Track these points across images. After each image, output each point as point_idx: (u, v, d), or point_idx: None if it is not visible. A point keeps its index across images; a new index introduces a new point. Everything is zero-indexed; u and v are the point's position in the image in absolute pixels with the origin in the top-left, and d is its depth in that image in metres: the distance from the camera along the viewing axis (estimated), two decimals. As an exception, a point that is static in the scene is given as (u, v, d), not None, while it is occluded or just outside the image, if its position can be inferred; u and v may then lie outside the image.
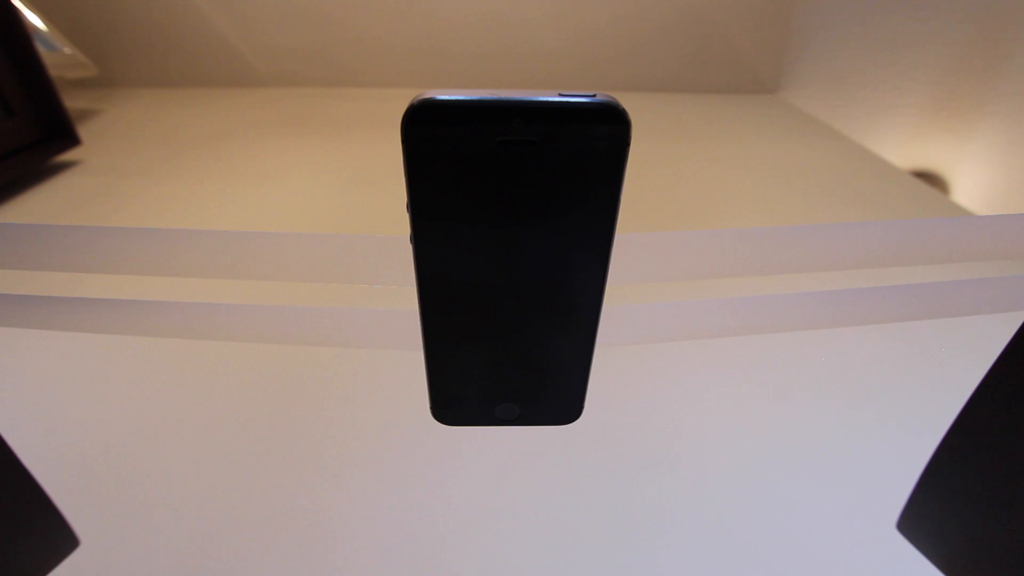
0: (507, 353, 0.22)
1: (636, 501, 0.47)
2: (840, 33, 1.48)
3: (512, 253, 0.19)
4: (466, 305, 0.21)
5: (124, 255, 0.36)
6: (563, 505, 0.46)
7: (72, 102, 1.03)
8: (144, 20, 1.41)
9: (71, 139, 1.02)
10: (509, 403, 0.24)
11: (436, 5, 1.38)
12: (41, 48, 0.94)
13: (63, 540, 0.33)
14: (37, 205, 0.91)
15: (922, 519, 0.31)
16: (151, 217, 0.88)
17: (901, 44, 1.47)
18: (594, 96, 0.16)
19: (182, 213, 0.89)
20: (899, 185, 1.05)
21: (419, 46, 1.45)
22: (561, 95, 0.16)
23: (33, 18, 1.17)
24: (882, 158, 1.16)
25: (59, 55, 1.23)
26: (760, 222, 0.89)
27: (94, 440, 0.51)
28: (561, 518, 0.45)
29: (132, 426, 0.52)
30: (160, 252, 0.36)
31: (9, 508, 0.30)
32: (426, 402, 0.24)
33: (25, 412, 0.53)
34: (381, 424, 0.52)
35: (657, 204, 0.95)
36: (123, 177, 1.02)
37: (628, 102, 0.17)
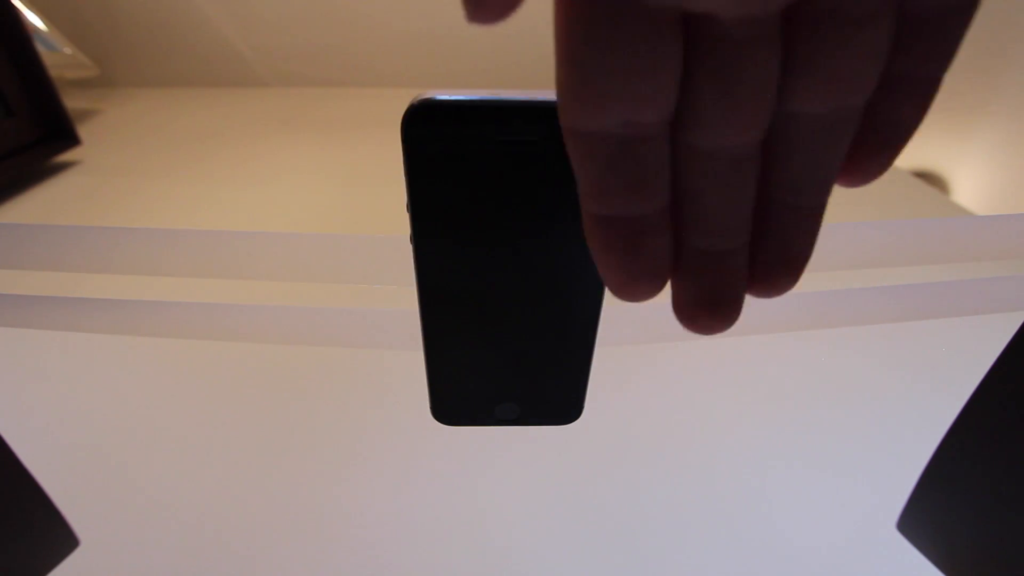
0: (507, 353, 0.22)
1: (636, 501, 0.47)
2: (840, 33, 1.48)
3: (512, 253, 0.19)
4: (466, 305, 0.21)
5: (124, 255, 0.36)
6: (563, 505, 0.46)
7: (72, 102, 1.03)
8: (144, 20, 1.41)
9: (71, 139, 1.02)
10: (509, 403, 0.24)
11: (436, 5, 1.38)
12: (41, 48, 0.94)
13: (63, 540, 0.33)
14: (37, 205, 0.91)
15: (922, 519, 0.31)
16: (151, 217, 0.88)
17: (901, 44, 1.47)
18: None
19: (182, 213, 0.89)
20: (899, 185, 1.05)
21: (419, 46, 1.45)
22: None
23: (33, 18, 1.17)
24: (882, 158, 1.16)
25: (59, 55, 1.23)
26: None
27: (94, 440, 0.51)
28: (561, 518, 0.45)
29: (132, 426, 0.52)
30: (160, 252, 0.36)
31: (9, 508, 0.30)
32: (426, 402, 0.24)
33: (25, 412, 0.53)
34: (381, 424, 0.52)
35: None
36: (123, 177, 1.02)
37: (628, 102, 0.17)
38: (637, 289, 0.15)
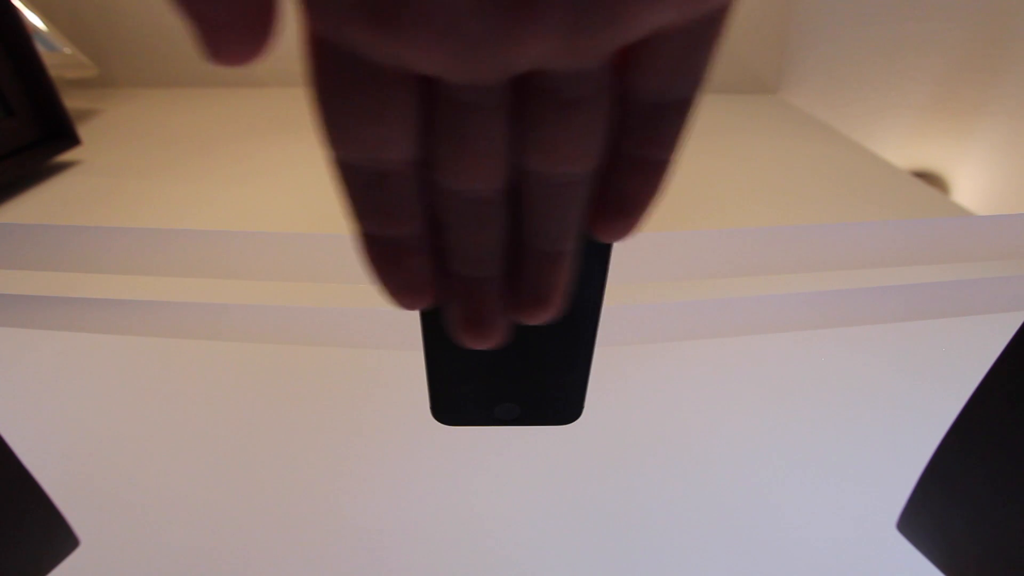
0: (507, 353, 0.22)
1: (636, 501, 0.47)
2: (840, 33, 1.48)
3: (512, 253, 0.19)
4: (466, 305, 0.21)
5: (124, 255, 0.36)
6: (563, 505, 0.46)
7: (72, 102, 1.03)
8: (144, 20, 1.41)
9: (71, 139, 1.02)
10: (509, 403, 0.24)
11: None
12: (41, 48, 0.94)
13: (63, 540, 0.33)
14: (37, 205, 0.91)
15: (922, 519, 0.31)
16: (151, 217, 0.88)
17: (901, 44, 1.47)
18: None
19: (182, 213, 0.89)
20: (899, 185, 1.05)
21: (419, 46, 1.45)
22: None
23: (33, 18, 1.17)
24: (882, 158, 1.16)
25: (59, 55, 1.23)
26: (760, 222, 0.89)
27: (94, 440, 0.51)
28: (561, 518, 0.45)
29: (132, 426, 0.52)
30: (160, 252, 0.36)
31: (9, 508, 0.30)
32: (426, 402, 0.24)
33: (25, 412, 0.53)
34: (381, 424, 0.52)
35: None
36: (123, 177, 1.02)
37: (628, 102, 0.17)
38: (402, 300, 0.17)
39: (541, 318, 0.17)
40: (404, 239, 0.15)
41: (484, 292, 0.17)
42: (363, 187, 0.15)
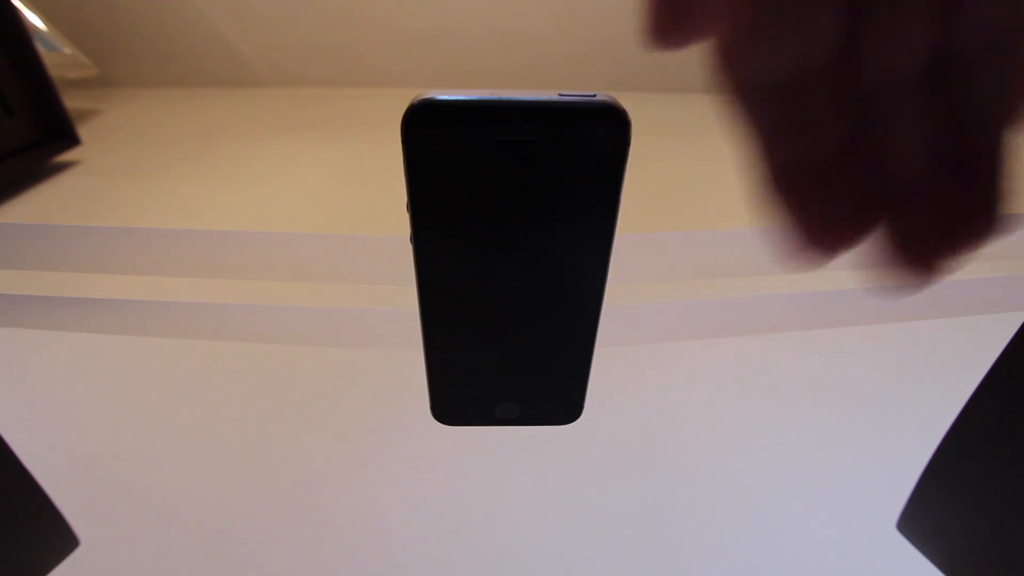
0: (507, 353, 0.22)
1: (635, 500, 0.47)
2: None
3: (512, 253, 0.19)
4: (466, 305, 0.21)
5: (124, 255, 0.36)
6: (563, 504, 0.46)
7: (72, 102, 1.03)
8: (144, 20, 1.41)
9: (71, 139, 1.02)
10: (509, 403, 0.24)
11: (437, 6, 1.38)
12: (41, 48, 0.94)
13: (63, 540, 0.33)
14: (37, 205, 0.91)
15: (922, 519, 0.31)
16: (151, 217, 0.88)
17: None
18: (594, 96, 0.16)
19: (182, 213, 0.89)
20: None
21: (420, 46, 1.45)
22: (561, 95, 0.16)
23: (33, 18, 1.17)
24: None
25: (59, 55, 1.23)
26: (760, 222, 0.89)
27: (94, 440, 0.51)
28: (561, 517, 0.45)
29: (132, 426, 0.52)
30: (160, 252, 0.36)
31: (9, 508, 0.30)
32: (426, 402, 0.24)
33: (25, 412, 0.53)
34: (381, 424, 0.52)
35: (657, 204, 0.95)
36: (123, 177, 1.02)
37: (628, 102, 0.17)
38: (830, 240, 0.15)
39: (984, 238, 0.14)
40: (828, 157, 0.14)
41: (919, 209, 0.14)
42: (781, 105, 0.13)
